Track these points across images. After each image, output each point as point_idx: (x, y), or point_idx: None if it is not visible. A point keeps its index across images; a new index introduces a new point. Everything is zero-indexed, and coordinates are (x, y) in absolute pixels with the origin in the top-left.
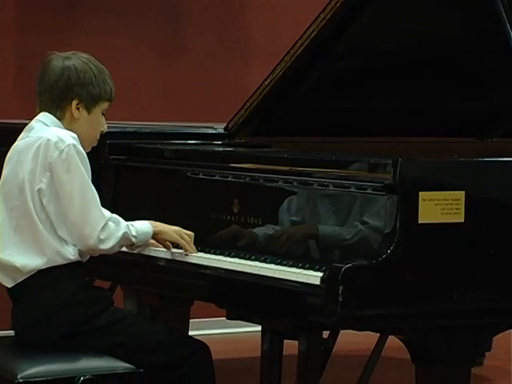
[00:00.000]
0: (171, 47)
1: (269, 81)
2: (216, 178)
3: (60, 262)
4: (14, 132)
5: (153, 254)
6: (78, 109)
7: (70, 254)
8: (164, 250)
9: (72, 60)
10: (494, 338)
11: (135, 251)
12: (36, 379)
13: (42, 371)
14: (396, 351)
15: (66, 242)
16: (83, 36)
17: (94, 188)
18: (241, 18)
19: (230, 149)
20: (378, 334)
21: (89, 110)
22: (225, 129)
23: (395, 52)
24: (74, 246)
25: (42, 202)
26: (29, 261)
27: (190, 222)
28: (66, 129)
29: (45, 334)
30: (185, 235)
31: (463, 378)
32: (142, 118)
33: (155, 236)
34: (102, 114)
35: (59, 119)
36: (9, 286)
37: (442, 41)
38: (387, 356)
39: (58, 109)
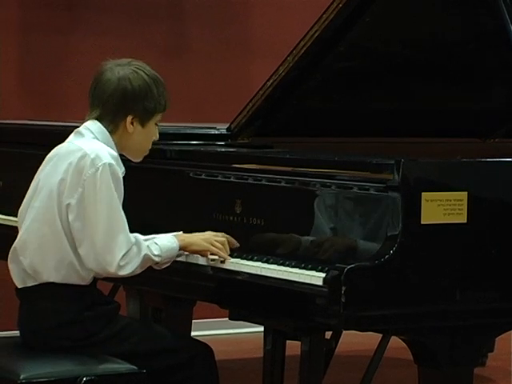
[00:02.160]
0: (174, 47)
1: (271, 81)
2: (219, 178)
3: (74, 281)
4: (16, 132)
5: None
6: (132, 123)
7: (86, 275)
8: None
9: (127, 71)
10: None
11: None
12: (38, 380)
13: (45, 372)
14: (398, 352)
15: (83, 263)
16: (86, 36)
17: (122, 212)
18: (244, 18)
19: (232, 149)
20: (381, 335)
21: (143, 123)
22: (227, 129)
23: (398, 52)
24: (87, 264)
25: (67, 218)
26: (44, 270)
27: (192, 223)
28: (117, 141)
29: (46, 343)
30: (216, 242)
31: (466, 379)
32: None
33: (184, 249)
34: (155, 124)
35: (111, 132)
36: (18, 286)
37: (444, 40)
38: (390, 357)
39: (111, 122)
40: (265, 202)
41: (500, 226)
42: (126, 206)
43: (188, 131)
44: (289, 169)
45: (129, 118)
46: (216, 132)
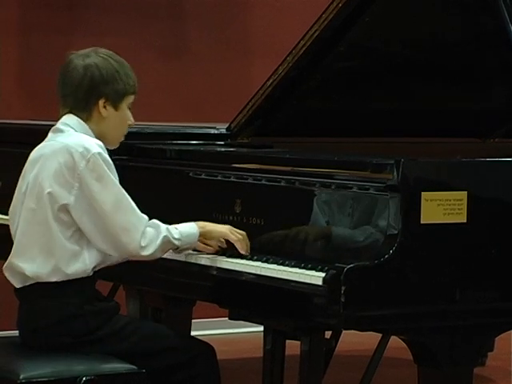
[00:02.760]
0: (174, 47)
1: (271, 81)
2: (218, 178)
3: (76, 275)
4: (16, 132)
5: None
6: (105, 107)
7: (87, 265)
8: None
9: (92, 58)
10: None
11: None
12: (38, 380)
13: (45, 372)
14: (398, 351)
15: (87, 250)
16: (86, 36)
17: (126, 193)
18: (243, 18)
19: (232, 149)
20: (381, 335)
21: (116, 106)
22: (227, 129)
23: (397, 52)
24: (110, 254)
25: (69, 214)
26: (40, 270)
27: None
28: (94, 129)
29: (47, 341)
30: (236, 232)
31: (466, 379)
32: (144, 119)
33: (204, 236)
34: (128, 108)
35: (87, 120)
36: (17, 287)
37: (444, 40)
38: (389, 356)
39: (84, 110)
40: (264, 201)
41: (500, 226)
42: None
43: (188, 131)
44: (288, 169)
45: (101, 102)
46: (216, 132)
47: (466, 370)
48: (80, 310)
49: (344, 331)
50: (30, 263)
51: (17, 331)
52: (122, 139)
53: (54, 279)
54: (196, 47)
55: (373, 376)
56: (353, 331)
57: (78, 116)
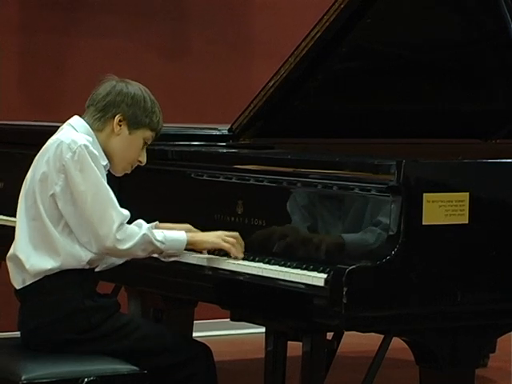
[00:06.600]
0: (174, 48)
1: (273, 82)
2: (220, 179)
3: (73, 265)
4: (16, 132)
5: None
6: (120, 125)
7: (82, 257)
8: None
9: (128, 84)
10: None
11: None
12: (40, 381)
13: (46, 373)
14: (400, 352)
15: (79, 244)
16: (87, 37)
17: (108, 187)
18: (244, 18)
19: (234, 150)
20: (382, 336)
21: (130, 130)
22: (229, 130)
23: (399, 53)
24: (90, 250)
25: (57, 205)
26: (39, 262)
27: (194, 223)
28: (102, 141)
29: (49, 338)
30: (228, 238)
31: (467, 380)
32: None
33: (195, 246)
34: (145, 143)
35: (98, 130)
36: (17, 288)
37: (445, 42)
38: (391, 357)
39: (100, 120)
40: (266, 202)
41: (501, 227)
42: (128, 207)
43: (189, 132)
44: (290, 170)
45: (117, 118)
46: (217, 133)
47: (467, 371)
48: (81, 305)
49: (346, 332)
50: (30, 256)
51: (17, 332)
52: (128, 171)
53: (49, 267)
54: (197, 48)
55: (375, 377)
56: (354, 332)
57: (90, 121)
